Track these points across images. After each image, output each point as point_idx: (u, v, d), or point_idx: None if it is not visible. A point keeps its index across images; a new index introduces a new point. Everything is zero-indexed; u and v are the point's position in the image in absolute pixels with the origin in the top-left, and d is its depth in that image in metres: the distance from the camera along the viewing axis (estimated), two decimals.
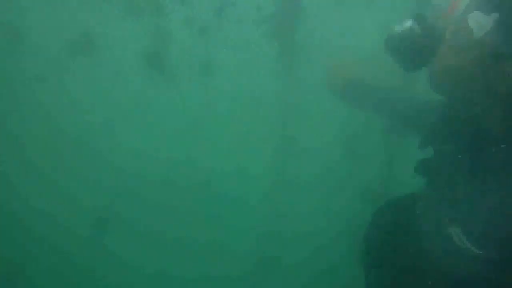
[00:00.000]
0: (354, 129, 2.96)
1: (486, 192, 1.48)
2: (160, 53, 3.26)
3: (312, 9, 2.89)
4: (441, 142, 1.63)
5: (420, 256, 1.65)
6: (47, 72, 3.33)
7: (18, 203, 3.64)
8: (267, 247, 3.68)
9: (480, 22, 1.31)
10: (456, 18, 1.40)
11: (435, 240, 1.60)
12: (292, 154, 3.29)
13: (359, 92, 2.51)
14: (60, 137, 3.60)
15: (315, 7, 2.87)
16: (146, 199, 3.83)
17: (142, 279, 3.83)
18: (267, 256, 3.73)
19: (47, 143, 3.65)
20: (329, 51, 2.79)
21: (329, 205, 3.23)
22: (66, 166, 3.76)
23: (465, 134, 1.56)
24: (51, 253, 3.74)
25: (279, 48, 2.97)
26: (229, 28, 3.04)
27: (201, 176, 3.60)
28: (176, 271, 3.88)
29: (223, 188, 3.51)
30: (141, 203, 3.85)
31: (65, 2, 3.11)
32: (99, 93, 3.45)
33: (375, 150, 2.80)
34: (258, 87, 3.15)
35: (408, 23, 1.56)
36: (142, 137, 3.62)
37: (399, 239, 1.68)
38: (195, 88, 3.33)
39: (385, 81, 2.49)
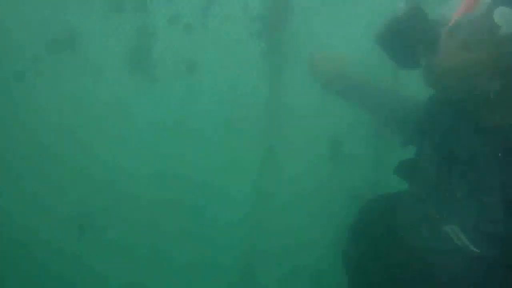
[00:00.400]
0: (342, 130, 2.86)
1: (479, 188, 1.40)
2: (144, 51, 3.17)
3: (300, 7, 2.81)
4: (428, 137, 1.58)
5: (407, 255, 1.60)
6: (25, 70, 3.22)
7: None
8: (251, 260, 3.53)
9: (508, 18, 1.26)
10: (475, 15, 1.35)
11: (426, 239, 1.54)
12: (279, 161, 3.18)
13: (342, 82, 2.53)
14: (35, 140, 3.47)
15: (304, 4, 2.80)
16: (126, 210, 3.69)
17: None
18: (251, 269, 3.58)
19: (22, 147, 3.53)
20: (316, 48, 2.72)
21: (316, 217, 3.10)
22: (44, 172, 3.63)
23: (456, 130, 1.50)
24: (27, 263, 3.60)
25: (266, 47, 2.89)
26: (216, 26, 2.96)
27: (183, 187, 3.47)
28: (157, 284, 3.73)
29: (206, 200, 3.38)
30: (121, 214, 3.71)
31: None
32: (80, 94, 3.34)
33: (363, 153, 2.70)
34: (244, 88, 3.05)
35: (402, 15, 1.52)
36: (122, 144, 3.49)
37: (384, 239, 1.65)
38: (180, 88, 3.23)
39: (369, 75, 2.49)
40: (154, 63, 3.20)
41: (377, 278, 1.63)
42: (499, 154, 1.37)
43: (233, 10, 2.84)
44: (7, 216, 3.51)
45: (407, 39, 1.45)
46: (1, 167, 3.47)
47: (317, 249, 3.18)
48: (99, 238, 3.72)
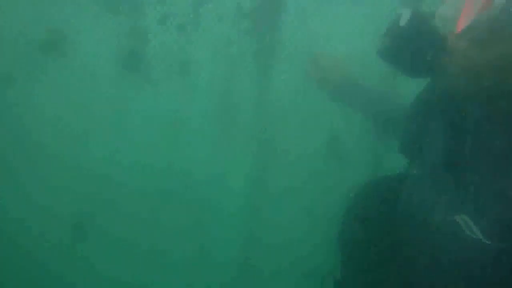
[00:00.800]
0: (338, 131, 2.86)
1: (492, 175, 1.38)
2: (136, 51, 3.14)
3: (294, 5, 2.79)
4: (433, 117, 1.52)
5: (409, 244, 1.54)
6: (16, 72, 3.18)
7: None
8: (249, 255, 3.55)
9: None
10: (490, 13, 1.32)
11: (432, 228, 1.47)
12: (273, 157, 3.18)
13: (340, 84, 2.48)
14: (32, 141, 3.45)
15: (299, 3, 2.77)
16: (123, 207, 3.68)
17: None
18: (249, 263, 3.60)
19: (18, 148, 3.49)
20: (311, 50, 2.70)
21: (312, 211, 3.12)
22: (39, 173, 3.60)
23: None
24: (24, 261, 3.59)
25: (258, 46, 2.87)
26: (208, 25, 2.94)
27: (181, 183, 3.46)
28: (156, 281, 3.73)
29: (203, 195, 3.38)
30: (118, 211, 3.70)
31: None
32: (73, 95, 3.31)
33: (360, 153, 2.71)
34: (236, 87, 3.04)
35: (406, 22, 1.48)
36: (117, 142, 3.48)
37: (383, 225, 1.58)
38: (173, 88, 3.21)
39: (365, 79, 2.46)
40: (147, 63, 3.18)
41: (373, 259, 1.58)
42: None
43: (225, 9, 2.81)
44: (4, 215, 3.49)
45: (416, 48, 1.43)
46: None
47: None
48: (98, 235, 3.71)
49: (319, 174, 2.96)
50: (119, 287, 3.61)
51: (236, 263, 3.63)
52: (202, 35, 3.00)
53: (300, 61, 2.83)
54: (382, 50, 1.47)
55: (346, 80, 2.49)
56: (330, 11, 2.74)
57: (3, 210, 3.52)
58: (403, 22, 1.43)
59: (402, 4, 1.60)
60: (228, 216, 3.44)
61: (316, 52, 2.63)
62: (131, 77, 3.25)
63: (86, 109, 3.40)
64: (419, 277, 1.47)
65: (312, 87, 2.68)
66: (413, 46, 1.40)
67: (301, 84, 2.83)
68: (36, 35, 3.03)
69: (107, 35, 3.15)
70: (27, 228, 3.61)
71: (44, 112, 3.43)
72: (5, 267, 3.55)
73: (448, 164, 1.49)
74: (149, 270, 3.73)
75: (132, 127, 3.42)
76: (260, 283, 3.53)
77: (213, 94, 3.19)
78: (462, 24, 1.38)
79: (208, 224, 3.59)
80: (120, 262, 3.67)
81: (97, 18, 3.05)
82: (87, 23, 3.01)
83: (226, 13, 2.86)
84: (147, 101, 3.34)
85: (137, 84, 3.27)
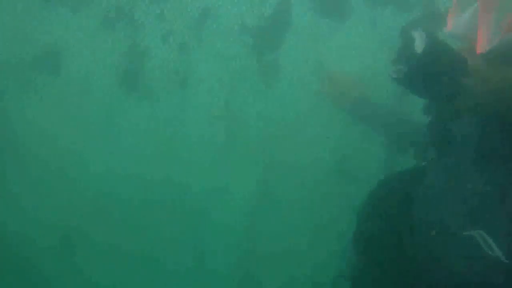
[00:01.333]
0: (346, 148, 2.83)
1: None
2: (135, 69, 3.04)
3: (300, 24, 2.73)
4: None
5: (421, 256, 1.46)
6: (7, 88, 3.05)
7: None
8: (249, 267, 3.52)
9: None
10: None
11: (446, 240, 1.42)
12: (275, 174, 3.14)
13: (355, 102, 2.50)
14: (26, 155, 3.33)
15: (306, 22, 2.71)
16: (119, 218, 3.61)
17: None
18: (249, 276, 3.58)
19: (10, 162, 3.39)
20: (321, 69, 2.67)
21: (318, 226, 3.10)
22: (33, 187, 3.50)
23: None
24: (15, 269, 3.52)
25: (262, 64, 2.80)
26: (210, 41, 2.85)
27: (178, 195, 3.40)
28: None
29: (201, 208, 3.33)
30: (113, 222, 3.63)
31: (30, 12, 2.83)
32: (67, 109, 3.20)
33: (372, 171, 2.68)
34: (239, 103, 2.97)
35: (422, 47, 1.42)
36: (115, 154, 3.39)
37: (397, 225, 1.53)
38: (173, 103, 3.13)
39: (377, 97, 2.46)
40: (146, 82, 3.08)
41: (388, 260, 1.52)
42: None
43: (230, 25, 2.72)
44: None
45: (436, 73, 1.39)
46: None
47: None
48: (89, 246, 3.65)
49: (326, 189, 2.94)
50: None
51: (236, 276, 3.60)
52: (205, 51, 2.91)
53: (310, 79, 2.80)
54: (399, 77, 1.40)
55: (361, 98, 2.51)
56: (341, 31, 2.69)
57: None
58: (419, 47, 1.37)
59: (412, 25, 1.56)
60: (229, 228, 3.40)
61: (330, 70, 2.62)
62: (129, 94, 3.15)
63: (81, 124, 3.30)
64: (430, 282, 1.43)
65: (322, 104, 2.66)
66: (432, 71, 1.35)
67: (310, 101, 2.80)
68: (29, 52, 2.90)
69: (104, 53, 3.04)
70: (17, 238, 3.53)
71: (36, 126, 3.32)
72: None
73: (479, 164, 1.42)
74: (145, 283, 3.69)
75: (130, 140, 3.33)
76: None
77: (215, 107, 3.12)
78: (483, 45, 1.33)
79: (207, 236, 3.54)
80: (115, 274, 3.61)
81: (93, 36, 2.94)
82: (83, 40, 2.89)
83: (230, 29, 2.77)
84: (146, 113, 3.26)
85: (136, 100, 3.17)
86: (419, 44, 1.36)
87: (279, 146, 2.98)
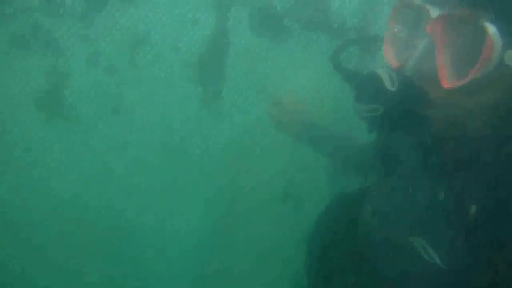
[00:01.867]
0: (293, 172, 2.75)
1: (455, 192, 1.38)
2: (56, 93, 2.77)
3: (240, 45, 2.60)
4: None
5: (368, 265, 1.52)
6: None
7: None
8: None
9: None
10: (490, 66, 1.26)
11: (387, 248, 1.47)
12: (220, 204, 3.00)
13: (303, 127, 2.51)
14: None
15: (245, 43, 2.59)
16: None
17: None
18: None
19: None
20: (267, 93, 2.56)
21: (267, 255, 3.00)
22: None
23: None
24: None
25: (204, 93, 2.64)
26: (144, 68, 2.63)
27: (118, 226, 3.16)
28: None
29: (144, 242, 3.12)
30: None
31: None
32: None
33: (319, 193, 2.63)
34: (180, 130, 2.79)
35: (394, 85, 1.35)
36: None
37: (344, 246, 1.59)
38: (105, 129, 2.88)
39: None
40: (71, 105, 2.82)
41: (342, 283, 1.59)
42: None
43: (164, 53, 2.53)
44: None
45: (407, 110, 1.32)
46: None
47: None
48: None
49: (276, 217, 2.85)
50: None
51: None
52: (138, 75, 2.69)
53: (255, 102, 2.71)
54: (376, 115, 1.35)
55: (308, 123, 2.54)
56: (281, 54, 2.60)
57: None
58: (390, 85, 1.33)
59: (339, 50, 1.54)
60: (175, 261, 3.22)
61: (276, 94, 2.59)
62: (53, 120, 2.86)
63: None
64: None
65: (270, 129, 2.59)
66: (405, 108, 1.34)
67: (255, 126, 2.71)
68: None
69: (19, 75, 2.73)
70: None
71: None
72: None
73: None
74: None
75: (53, 174, 3.05)
76: None
77: (153, 135, 2.92)
78: (450, 81, 1.31)
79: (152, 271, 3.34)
80: None
81: (5, 56, 2.63)
82: None
83: (165, 56, 2.58)
84: (73, 143, 2.99)
85: (62, 127, 2.90)
86: (388, 82, 1.33)
87: (223, 174, 2.85)
